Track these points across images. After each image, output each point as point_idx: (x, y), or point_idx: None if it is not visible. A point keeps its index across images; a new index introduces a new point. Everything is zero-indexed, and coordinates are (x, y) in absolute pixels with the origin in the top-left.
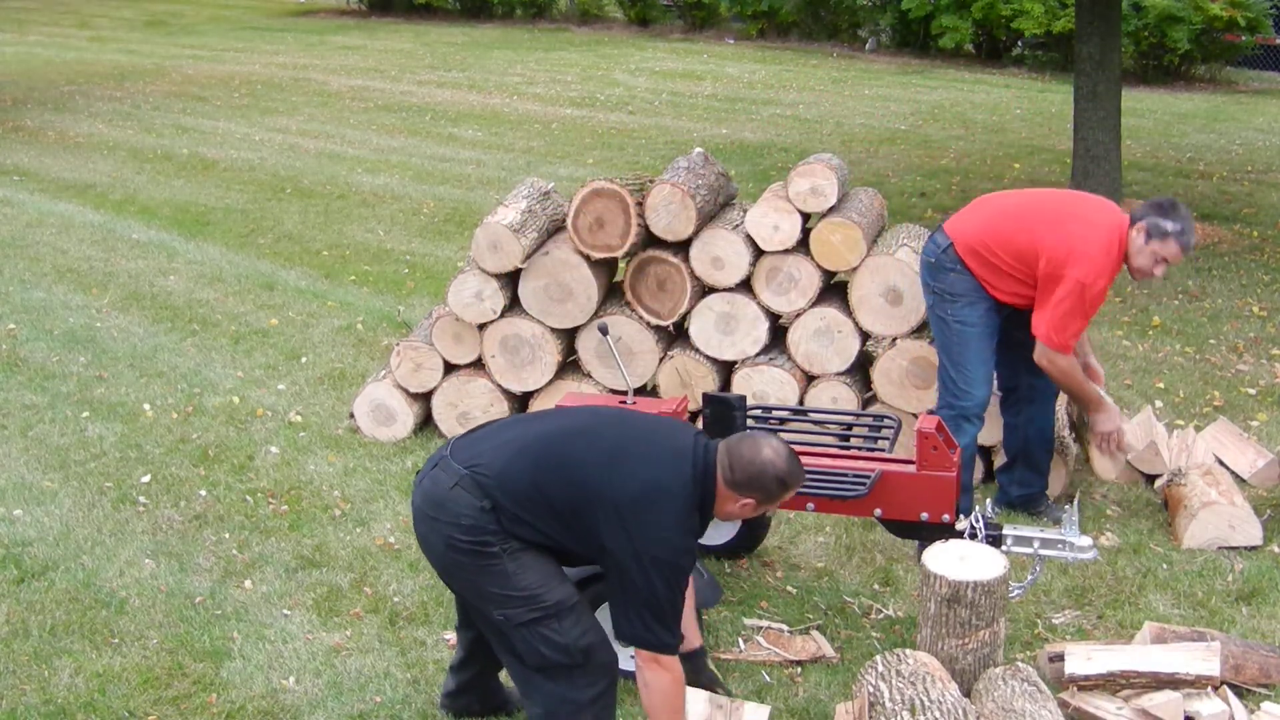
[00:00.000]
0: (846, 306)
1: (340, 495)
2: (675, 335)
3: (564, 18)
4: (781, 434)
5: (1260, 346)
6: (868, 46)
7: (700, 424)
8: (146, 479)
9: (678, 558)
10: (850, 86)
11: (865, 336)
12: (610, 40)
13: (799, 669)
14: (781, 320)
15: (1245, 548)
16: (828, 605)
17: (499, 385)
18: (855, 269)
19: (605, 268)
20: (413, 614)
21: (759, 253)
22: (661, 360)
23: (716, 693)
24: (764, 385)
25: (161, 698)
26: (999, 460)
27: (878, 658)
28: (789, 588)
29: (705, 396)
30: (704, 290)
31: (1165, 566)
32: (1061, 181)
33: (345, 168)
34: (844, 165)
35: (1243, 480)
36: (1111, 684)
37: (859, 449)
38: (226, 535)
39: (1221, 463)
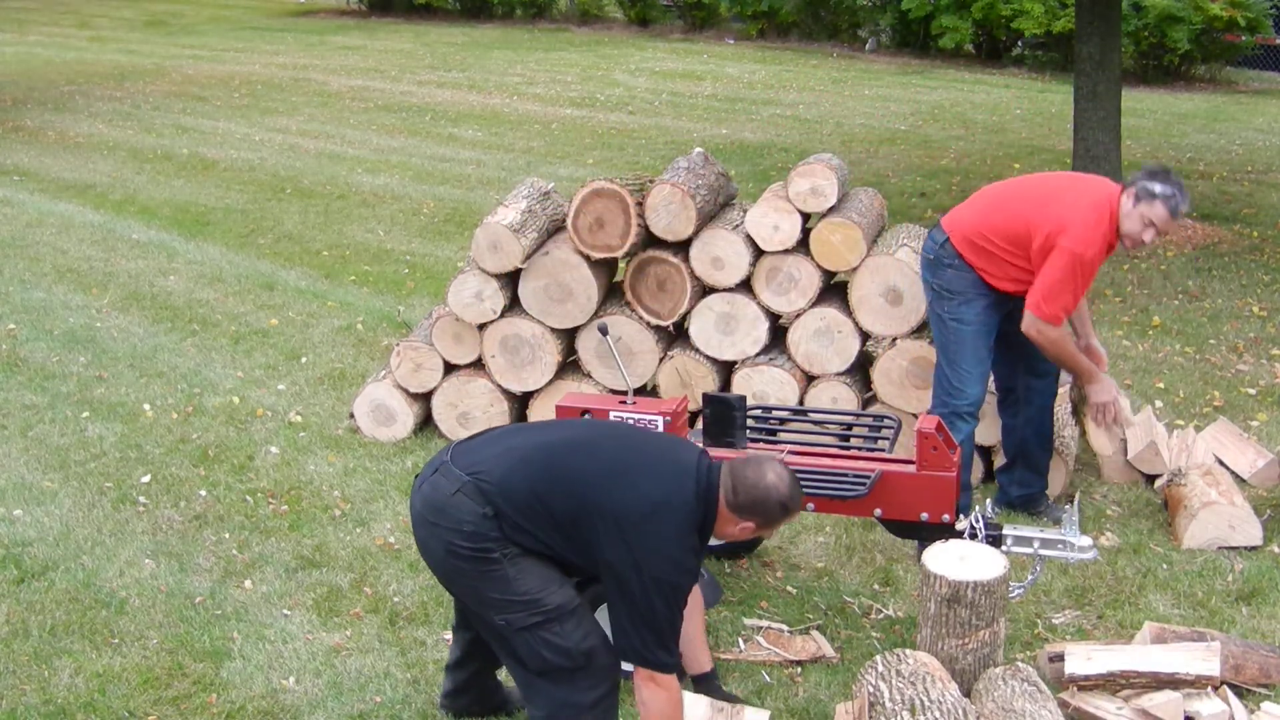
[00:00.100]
0: (846, 306)
1: (340, 495)
2: (675, 335)
3: (564, 18)
4: (781, 434)
5: (1260, 346)
6: (868, 46)
7: (700, 424)
8: (146, 479)
9: (678, 576)
10: (850, 86)
11: (865, 336)
12: (610, 40)
13: (799, 669)
14: (781, 320)
15: (1245, 548)
16: (828, 605)
17: (499, 385)
18: (855, 269)
19: (605, 268)
20: (413, 614)
21: (759, 253)
22: (661, 360)
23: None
24: (764, 385)
25: (161, 698)
26: (999, 460)
27: (878, 658)
28: (789, 588)
29: (705, 397)
30: (704, 290)
31: (1165, 566)
32: None
33: (345, 168)
34: (844, 165)
35: (1243, 480)
36: (1111, 684)
37: (859, 449)
38: (226, 535)
39: (1221, 463)
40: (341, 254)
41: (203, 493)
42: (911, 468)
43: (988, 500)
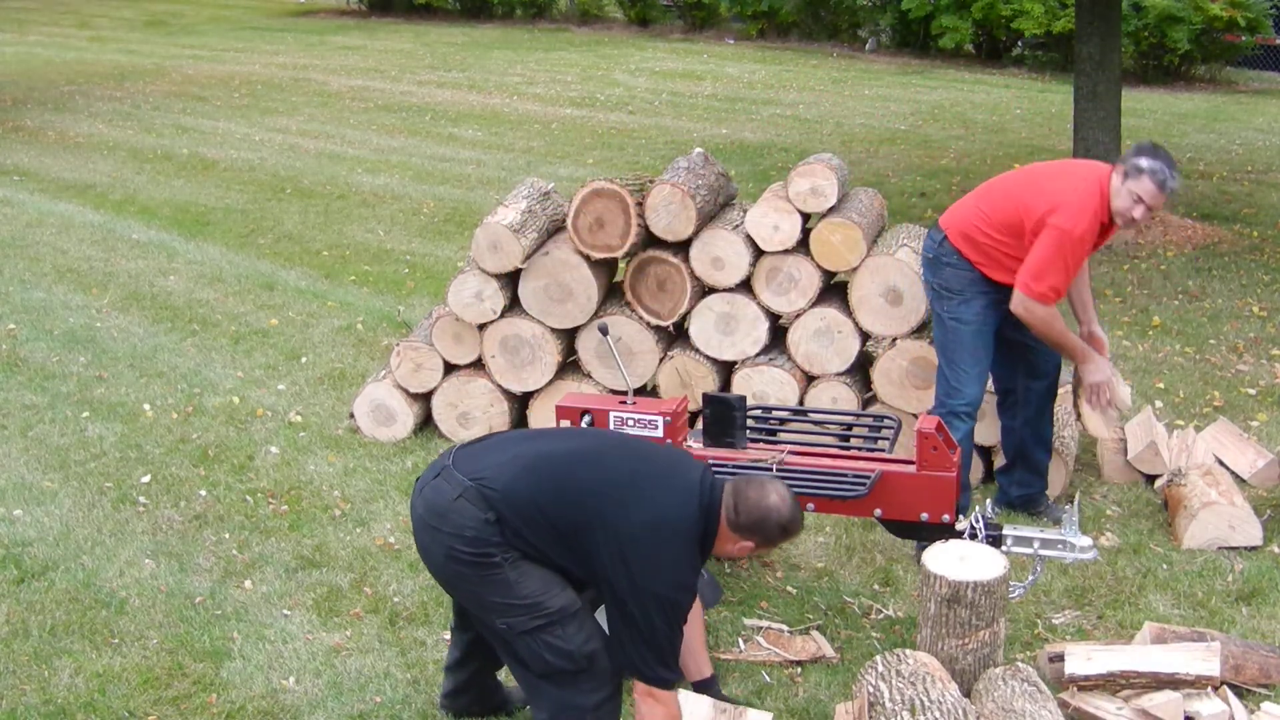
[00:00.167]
0: (846, 306)
1: (340, 495)
2: (675, 335)
3: (564, 18)
4: (781, 434)
5: (1260, 346)
6: (868, 46)
7: (700, 424)
8: (146, 479)
9: (678, 594)
10: (850, 86)
11: (865, 337)
12: (610, 40)
13: (799, 669)
14: (781, 320)
15: (1245, 548)
16: (828, 605)
17: (499, 385)
18: (855, 269)
19: (605, 268)
20: (413, 614)
21: (759, 253)
22: (661, 360)
23: None
24: (764, 385)
25: (161, 698)
26: (999, 461)
27: (878, 658)
28: (789, 588)
29: (705, 397)
30: (704, 290)
31: (1165, 566)
32: None
33: (345, 168)
34: (844, 165)
35: (1243, 480)
36: (1111, 684)
37: (859, 449)
38: (226, 535)
39: (1221, 463)
40: (341, 254)
41: (203, 493)
42: (911, 468)
43: (988, 500)
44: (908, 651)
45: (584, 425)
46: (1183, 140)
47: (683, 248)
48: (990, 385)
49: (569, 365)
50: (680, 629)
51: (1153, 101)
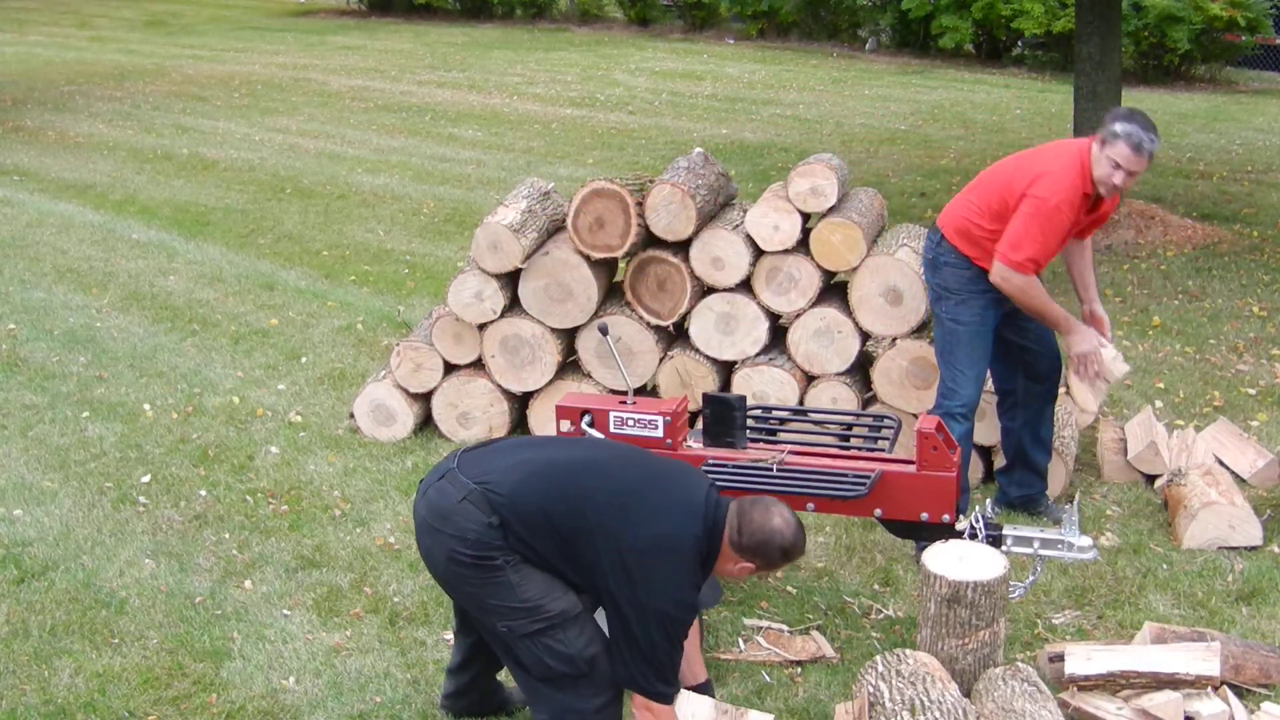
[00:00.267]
0: (846, 306)
1: (340, 495)
2: (675, 335)
3: (564, 18)
4: (781, 434)
5: (1260, 346)
6: (868, 46)
7: (700, 424)
8: (146, 479)
9: (679, 611)
10: (850, 86)
11: (865, 336)
12: (610, 40)
13: (799, 669)
14: (781, 320)
15: (1245, 548)
16: (828, 605)
17: (499, 385)
18: (855, 269)
19: (605, 268)
20: (413, 614)
21: (759, 253)
22: (661, 360)
23: None
24: (764, 385)
25: (161, 698)
26: (999, 461)
27: (878, 658)
28: (789, 588)
29: (705, 397)
30: (704, 290)
31: (1165, 566)
32: None
33: (345, 168)
34: (844, 165)
35: (1243, 480)
36: (1111, 684)
37: (859, 449)
38: (226, 535)
39: (1221, 463)
40: (341, 254)
41: (203, 493)
42: (911, 468)
43: (988, 500)
44: (908, 651)
45: (584, 425)
46: (1183, 140)
47: (683, 248)
48: (990, 385)
49: (569, 365)
50: (680, 645)
51: (1153, 101)
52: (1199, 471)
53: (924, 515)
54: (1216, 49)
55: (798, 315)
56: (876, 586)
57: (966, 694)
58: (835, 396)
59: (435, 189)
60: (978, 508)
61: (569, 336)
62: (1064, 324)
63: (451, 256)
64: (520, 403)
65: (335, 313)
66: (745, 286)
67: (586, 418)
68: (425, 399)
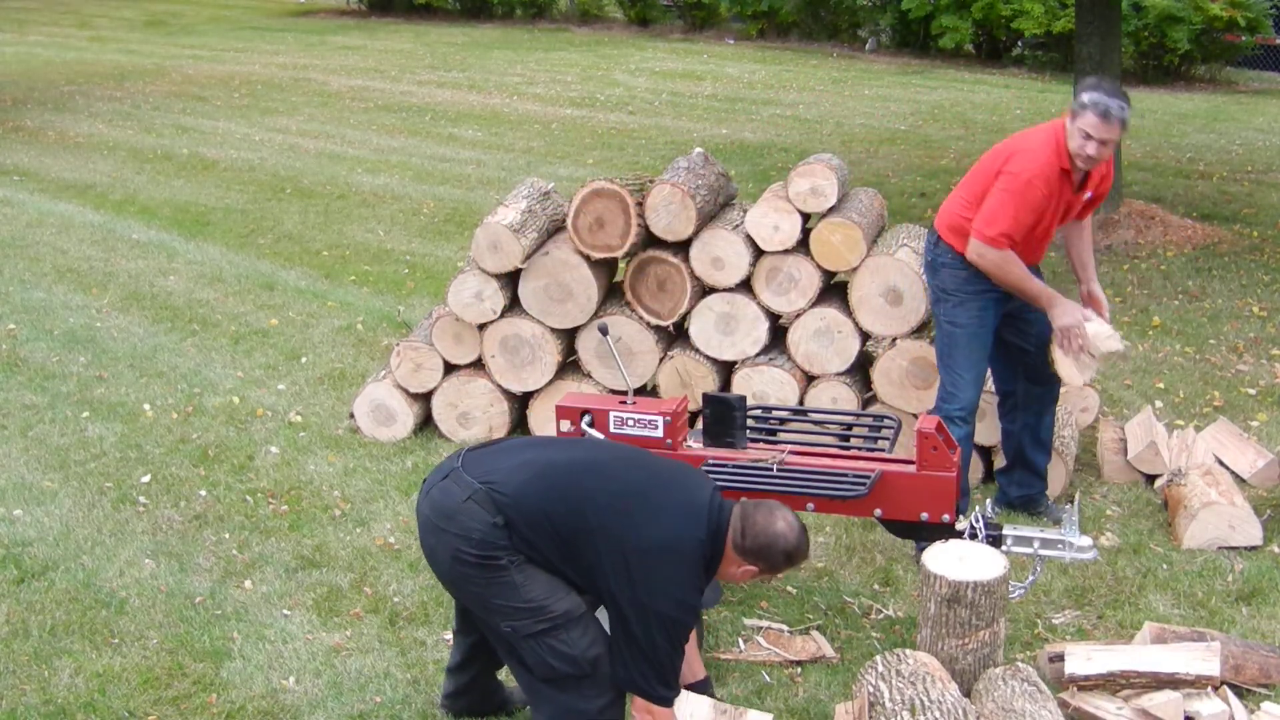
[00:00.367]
0: (846, 306)
1: (340, 495)
2: (675, 335)
3: (564, 18)
4: (781, 434)
5: (1260, 346)
6: (868, 46)
7: (700, 424)
8: (146, 479)
9: (681, 614)
10: (850, 86)
11: (865, 337)
12: (610, 40)
13: (799, 669)
14: (781, 320)
15: (1245, 548)
16: (828, 605)
17: (499, 385)
18: (855, 269)
19: (605, 268)
20: (413, 614)
21: (759, 253)
22: (661, 360)
23: None
24: (764, 385)
25: (161, 698)
26: (999, 461)
27: (878, 658)
28: (789, 588)
29: (705, 397)
30: (704, 290)
31: (1165, 566)
32: None
33: (345, 168)
34: (844, 165)
35: (1243, 480)
36: (1111, 684)
37: (859, 449)
38: (226, 535)
39: (1221, 463)
40: (341, 254)
41: (203, 493)
42: (911, 468)
43: (988, 500)
44: (908, 651)
45: (584, 425)
46: (1183, 140)
47: (683, 248)
48: (990, 386)
49: (569, 365)
50: (681, 648)
51: (1153, 101)
52: (1199, 471)
53: (924, 515)
54: (1216, 49)
55: (798, 315)
56: (876, 586)
57: (966, 694)
58: (835, 396)
59: (435, 189)
60: (978, 508)
61: (569, 336)
62: (1045, 298)
63: (451, 256)
64: (520, 403)
65: (335, 313)
66: (745, 286)
67: (586, 418)
68: (425, 399)
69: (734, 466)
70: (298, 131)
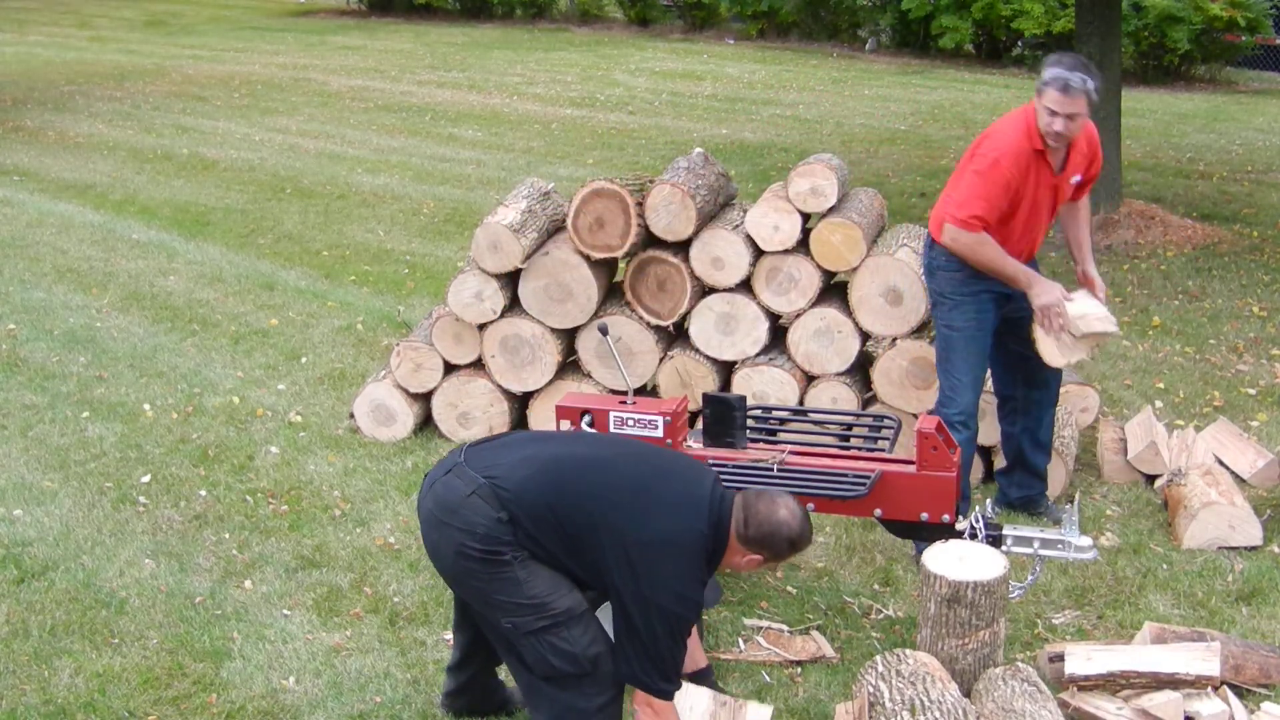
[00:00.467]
0: (846, 307)
1: (340, 495)
2: (675, 335)
3: (564, 18)
4: (781, 434)
5: (1260, 346)
6: (868, 46)
7: (700, 424)
8: (146, 479)
9: (684, 608)
10: (850, 86)
11: (865, 337)
12: (610, 40)
13: (799, 669)
14: (781, 320)
15: (1245, 548)
16: (828, 605)
17: (499, 385)
18: (855, 269)
19: (605, 268)
20: (413, 614)
21: (759, 253)
22: (661, 360)
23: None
24: (764, 385)
25: (161, 698)
26: (999, 462)
27: (878, 658)
28: (789, 588)
29: (705, 397)
30: (704, 290)
31: (1165, 566)
32: None
33: (345, 168)
34: (844, 165)
35: (1243, 480)
36: (1111, 684)
37: (859, 449)
38: (226, 535)
39: (1221, 463)
40: (341, 254)
41: (203, 493)
42: (911, 468)
43: (988, 500)
44: (908, 651)
45: (584, 425)
46: (1183, 140)
47: (683, 248)
48: (990, 387)
49: (569, 365)
50: (684, 642)
51: (1153, 101)
52: (1199, 471)
53: (924, 515)
54: (1216, 49)
55: (798, 315)
56: (876, 586)
57: (966, 694)
58: (835, 396)
59: (435, 189)
60: (978, 508)
61: (569, 336)
62: (1023, 279)
63: (451, 256)
64: (520, 403)
65: (335, 313)
66: (745, 286)
67: (586, 418)
68: (425, 399)
69: (734, 467)
70: (298, 131)
